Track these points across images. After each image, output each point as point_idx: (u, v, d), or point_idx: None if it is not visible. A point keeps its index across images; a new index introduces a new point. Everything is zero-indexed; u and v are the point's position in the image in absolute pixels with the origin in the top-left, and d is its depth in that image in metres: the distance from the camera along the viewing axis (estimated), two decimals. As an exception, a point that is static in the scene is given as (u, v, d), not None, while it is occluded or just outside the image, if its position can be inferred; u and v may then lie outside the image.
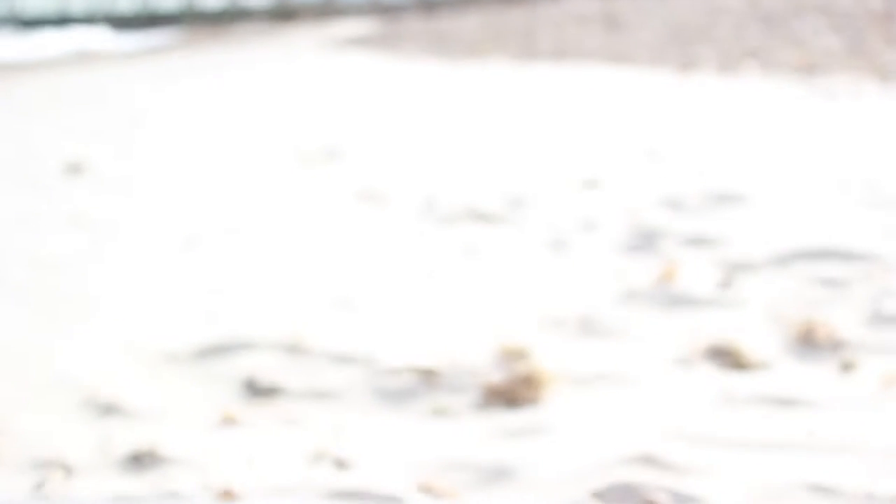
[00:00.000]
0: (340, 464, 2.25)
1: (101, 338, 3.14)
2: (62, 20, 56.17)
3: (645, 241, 4.06)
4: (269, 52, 23.47)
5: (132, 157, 7.42)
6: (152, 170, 6.82)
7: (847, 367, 2.59)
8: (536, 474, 2.21)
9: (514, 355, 2.76)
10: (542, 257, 3.96)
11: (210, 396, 2.62)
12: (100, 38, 47.04)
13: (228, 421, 2.45)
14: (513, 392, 2.49)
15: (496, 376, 2.59)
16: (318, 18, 54.24)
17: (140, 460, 2.32)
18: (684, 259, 3.78)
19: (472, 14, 27.34)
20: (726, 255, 3.79)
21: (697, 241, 4.03)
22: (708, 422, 2.30)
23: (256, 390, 2.62)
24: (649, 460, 2.17)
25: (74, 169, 6.79)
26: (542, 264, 3.84)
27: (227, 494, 2.04)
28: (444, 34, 22.82)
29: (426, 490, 2.08)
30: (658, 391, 2.52)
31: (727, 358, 2.68)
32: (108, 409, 2.53)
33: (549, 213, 4.69)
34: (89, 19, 57.01)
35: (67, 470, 2.33)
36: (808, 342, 2.77)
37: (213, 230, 4.71)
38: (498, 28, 22.29)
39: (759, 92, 9.97)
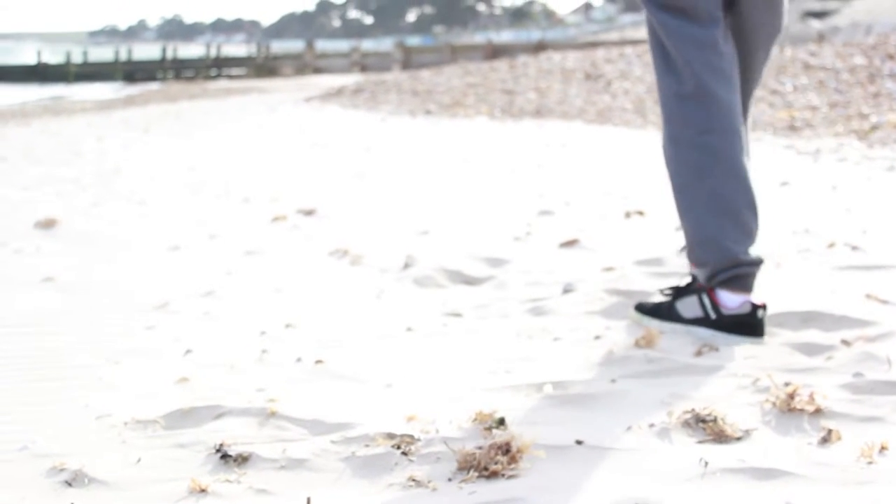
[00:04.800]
0: (311, 536, 2.21)
1: (69, 404, 3.09)
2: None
3: (625, 303, 4.03)
4: (247, 107, 23.48)
5: (105, 214, 7.38)
6: (125, 227, 6.78)
7: (827, 436, 2.56)
8: (511, 548, 2.18)
9: (489, 423, 2.73)
10: (521, 321, 3.93)
11: (179, 465, 2.57)
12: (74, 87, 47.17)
13: (197, 490, 2.40)
14: (488, 461, 2.45)
15: (471, 445, 2.55)
16: (299, 73, 54.50)
17: (107, 530, 2.27)
18: (663, 323, 3.76)
19: (453, 69, 27.44)
20: (705, 320, 3.77)
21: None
22: (685, 493, 2.26)
23: (227, 459, 2.57)
24: (627, 533, 2.14)
25: (46, 225, 6.76)
26: (520, 328, 3.81)
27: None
28: (425, 90, 22.89)
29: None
30: (635, 461, 2.48)
31: (705, 426, 2.64)
32: (76, 479, 2.48)
33: (528, 275, 4.67)
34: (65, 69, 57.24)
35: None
36: (788, 410, 2.74)
37: (187, 291, 4.67)
38: (479, 84, 22.39)
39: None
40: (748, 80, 3.64)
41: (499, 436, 2.54)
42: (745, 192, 3.44)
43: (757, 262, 3.48)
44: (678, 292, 3.60)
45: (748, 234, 3.46)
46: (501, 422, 2.72)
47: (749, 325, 3.45)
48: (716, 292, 3.48)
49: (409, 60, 52.68)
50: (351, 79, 37.81)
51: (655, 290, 4.19)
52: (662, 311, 3.63)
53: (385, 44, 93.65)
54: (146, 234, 6.50)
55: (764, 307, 3.47)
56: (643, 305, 3.72)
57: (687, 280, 3.67)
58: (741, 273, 3.45)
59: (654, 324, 3.61)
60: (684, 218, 3.52)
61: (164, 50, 63.15)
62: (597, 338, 3.61)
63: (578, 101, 17.30)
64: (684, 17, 3.41)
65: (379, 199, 7.79)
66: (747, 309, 3.45)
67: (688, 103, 3.42)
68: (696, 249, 3.52)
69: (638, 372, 3.20)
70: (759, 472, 2.36)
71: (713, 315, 3.48)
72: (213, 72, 60.70)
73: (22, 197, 8.58)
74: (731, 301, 3.46)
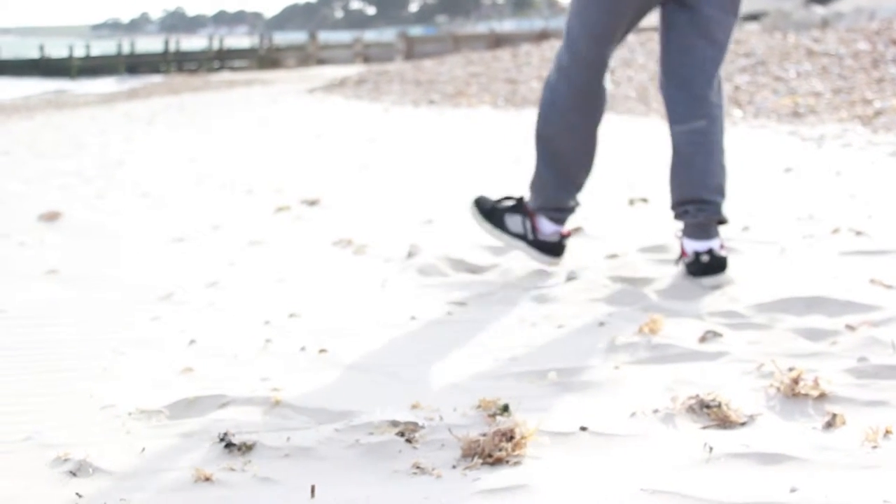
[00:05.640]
0: (316, 524, 2.21)
1: (73, 394, 3.09)
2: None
3: (628, 290, 4.03)
4: (250, 98, 23.45)
5: (108, 207, 7.38)
6: (128, 219, 6.78)
7: (832, 421, 2.55)
8: (516, 534, 2.17)
9: (493, 410, 2.73)
10: (525, 308, 3.93)
11: (184, 454, 2.57)
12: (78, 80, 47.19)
13: (202, 479, 2.40)
14: (493, 448, 2.45)
15: (475, 432, 2.55)
16: (302, 64, 54.44)
17: (112, 520, 2.27)
18: (668, 309, 3.76)
19: (456, 59, 27.39)
20: (711, 306, 3.77)
21: (681, 291, 4.01)
22: (689, 478, 2.27)
23: (231, 447, 2.57)
24: (631, 519, 2.13)
25: (49, 218, 6.76)
26: (524, 316, 3.81)
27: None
28: (427, 80, 22.86)
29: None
30: (639, 446, 2.48)
31: (710, 412, 2.64)
32: (80, 468, 2.48)
33: (531, 263, 4.66)
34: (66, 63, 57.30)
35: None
36: (793, 395, 2.74)
37: (190, 282, 4.67)
38: (482, 73, 22.35)
39: (744, 137, 10.00)
40: (700, 58, 4.20)
41: (503, 423, 2.54)
42: (587, 161, 4.38)
43: (574, 208, 4.45)
44: (512, 208, 4.51)
45: (577, 188, 4.42)
46: (505, 409, 2.73)
47: (554, 247, 4.44)
48: (537, 218, 4.42)
49: (412, 50, 52.60)
50: (354, 69, 37.78)
51: (656, 276, 4.20)
52: (495, 218, 4.52)
53: (388, 34, 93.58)
54: (150, 225, 6.50)
55: (569, 235, 4.48)
56: (484, 201, 4.61)
57: (519, 198, 4.57)
58: (559, 215, 4.41)
59: (487, 227, 4.53)
60: (538, 160, 4.41)
61: (166, 43, 63.12)
62: (601, 325, 3.60)
63: (581, 90, 17.24)
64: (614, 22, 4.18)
65: (382, 189, 7.78)
66: (556, 238, 4.43)
67: (568, 84, 4.30)
68: (537, 184, 4.43)
69: (642, 358, 3.20)
70: (763, 457, 2.36)
71: (530, 236, 4.44)
72: (216, 64, 60.66)
73: (25, 190, 8.59)
74: (546, 228, 4.41)
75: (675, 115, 4.20)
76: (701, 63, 4.15)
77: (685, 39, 4.15)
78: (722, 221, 4.20)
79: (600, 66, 4.24)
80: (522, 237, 4.44)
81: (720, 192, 4.21)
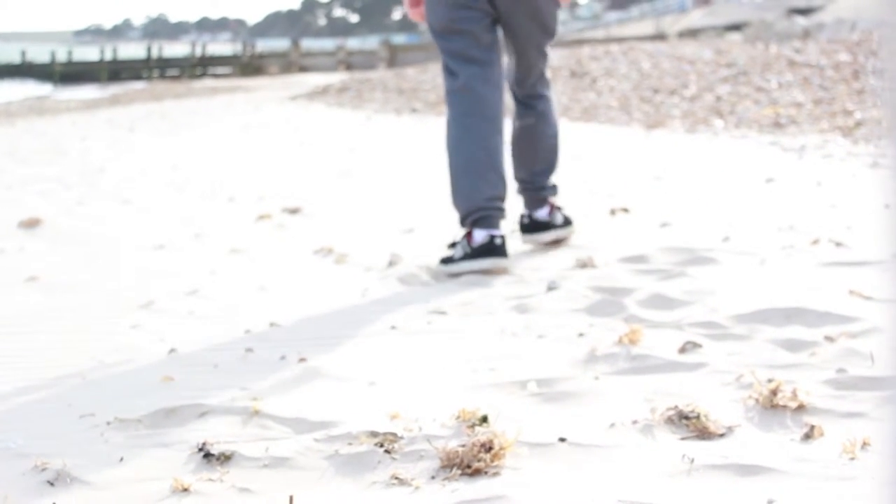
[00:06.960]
0: (294, 535, 2.20)
1: (52, 403, 3.08)
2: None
3: (609, 301, 4.03)
4: (233, 105, 23.41)
5: (89, 214, 7.37)
6: (109, 227, 6.77)
7: (810, 432, 2.56)
8: (494, 545, 2.17)
9: (472, 421, 2.72)
10: (505, 318, 3.93)
11: (162, 464, 2.56)
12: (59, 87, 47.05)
13: (180, 489, 2.40)
14: (471, 459, 2.44)
15: (454, 443, 2.55)
16: (284, 71, 54.38)
17: (89, 530, 2.26)
18: (648, 320, 3.76)
19: (439, 67, 27.40)
20: (690, 316, 3.77)
21: (662, 302, 4.01)
22: (668, 489, 2.26)
23: (210, 457, 2.56)
24: (610, 530, 2.13)
25: (29, 225, 6.74)
26: (505, 326, 3.81)
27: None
28: (410, 88, 22.86)
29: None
30: (618, 458, 2.48)
31: (688, 423, 2.64)
32: (58, 478, 2.47)
33: (512, 272, 4.67)
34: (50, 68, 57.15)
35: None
36: (771, 406, 2.74)
37: (171, 290, 4.66)
38: (465, 82, 22.26)
39: (726, 148, 10.02)
40: (526, 67, 5.02)
41: (482, 433, 2.54)
42: (490, 161, 4.72)
43: (495, 207, 4.73)
44: (453, 245, 4.88)
45: (492, 187, 4.72)
46: (484, 419, 2.72)
47: (490, 249, 4.69)
48: (472, 234, 4.71)
49: (395, 58, 52.64)
50: (336, 77, 37.75)
51: (636, 287, 4.21)
52: (449, 259, 4.80)
53: (370, 42, 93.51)
54: (131, 233, 6.49)
55: (502, 236, 4.73)
56: (442, 258, 4.86)
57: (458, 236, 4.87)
58: (483, 214, 4.70)
59: (443, 269, 4.79)
60: (450, 175, 4.79)
61: (149, 49, 63.10)
62: (580, 335, 3.61)
63: (564, 99, 17.27)
64: (469, 40, 4.73)
65: (364, 198, 7.78)
66: (487, 239, 4.68)
67: (455, 96, 4.75)
68: (455, 198, 4.78)
69: (621, 369, 3.20)
70: (741, 469, 2.36)
71: (468, 250, 4.70)
72: (199, 71, 60.66)
73: (6, 196, 8.57)
74: (478, 236, 4.70)
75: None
76: (526, 73, 5.05)
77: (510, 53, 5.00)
78: (543, 199, 5.23)
79: (482, 71, 4.77)
80: (466, 255, 4.72)
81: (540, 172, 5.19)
